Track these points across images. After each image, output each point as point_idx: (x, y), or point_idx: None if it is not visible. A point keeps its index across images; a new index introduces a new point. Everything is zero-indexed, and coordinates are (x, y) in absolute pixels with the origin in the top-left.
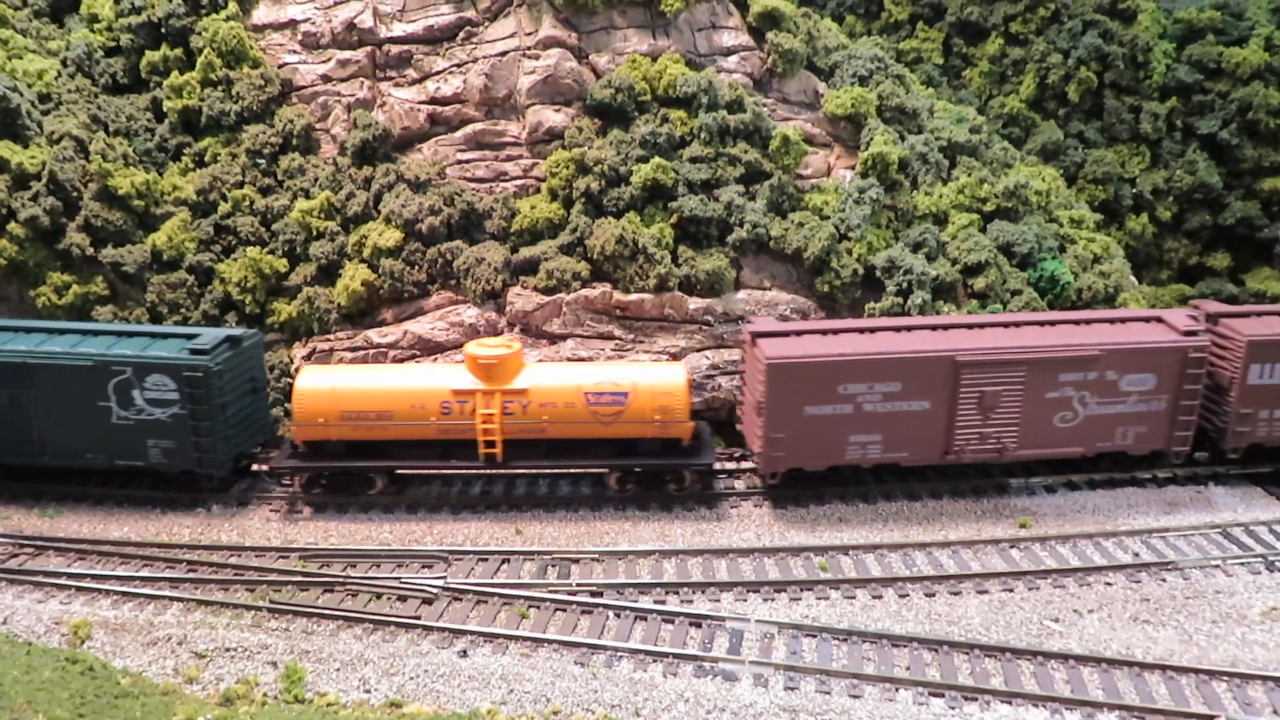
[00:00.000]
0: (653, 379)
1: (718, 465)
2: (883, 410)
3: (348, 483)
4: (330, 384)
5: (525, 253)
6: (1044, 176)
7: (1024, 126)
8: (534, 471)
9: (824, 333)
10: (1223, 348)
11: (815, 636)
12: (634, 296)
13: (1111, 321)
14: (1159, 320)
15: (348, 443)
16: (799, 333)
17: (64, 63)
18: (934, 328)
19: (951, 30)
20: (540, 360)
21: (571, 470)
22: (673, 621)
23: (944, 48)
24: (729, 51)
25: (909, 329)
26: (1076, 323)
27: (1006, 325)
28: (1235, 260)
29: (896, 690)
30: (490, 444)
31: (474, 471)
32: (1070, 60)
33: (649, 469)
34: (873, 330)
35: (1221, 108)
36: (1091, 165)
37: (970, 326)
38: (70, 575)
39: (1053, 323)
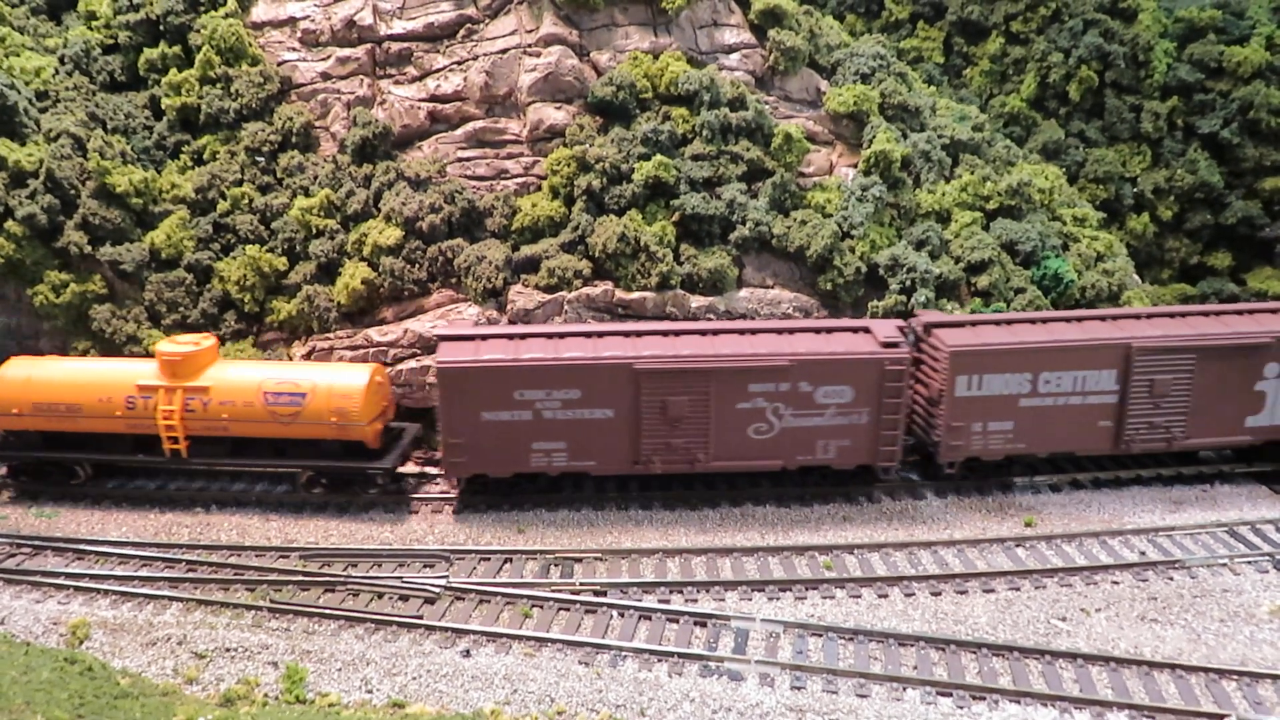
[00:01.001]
0: (332, 381)
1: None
2: (564, 418)
3: (48, 473)
4: (27, 374)
5: (526, 251)
6: (1047, 175)
7: (1025, 126)
8: (218, 469)
9: (510, 337)
10: (933, 359)
11: (821, 636)
12: (636, 295)
13: (817, 331)
14: (865, 331)
15: (44, 433)
16: (485, 337)
17: (61, 60)
18: (626, 334)
19: (952, 29)
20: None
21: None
22: (677, 621)
23: (944, 47)
24: (730, 49)
25: (600, 335)
26: (779, 332)
27: (705, 333)
28: (1236, 260)
29: (904, 689)
30: (174, 440)
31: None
32: (1071, 59)
33: (326, 471)
34: (563, 335)
35: (1223, 107)
36: (1092, 164)
37: (665, 334)
38: (68, 575)
39: (755, 331)
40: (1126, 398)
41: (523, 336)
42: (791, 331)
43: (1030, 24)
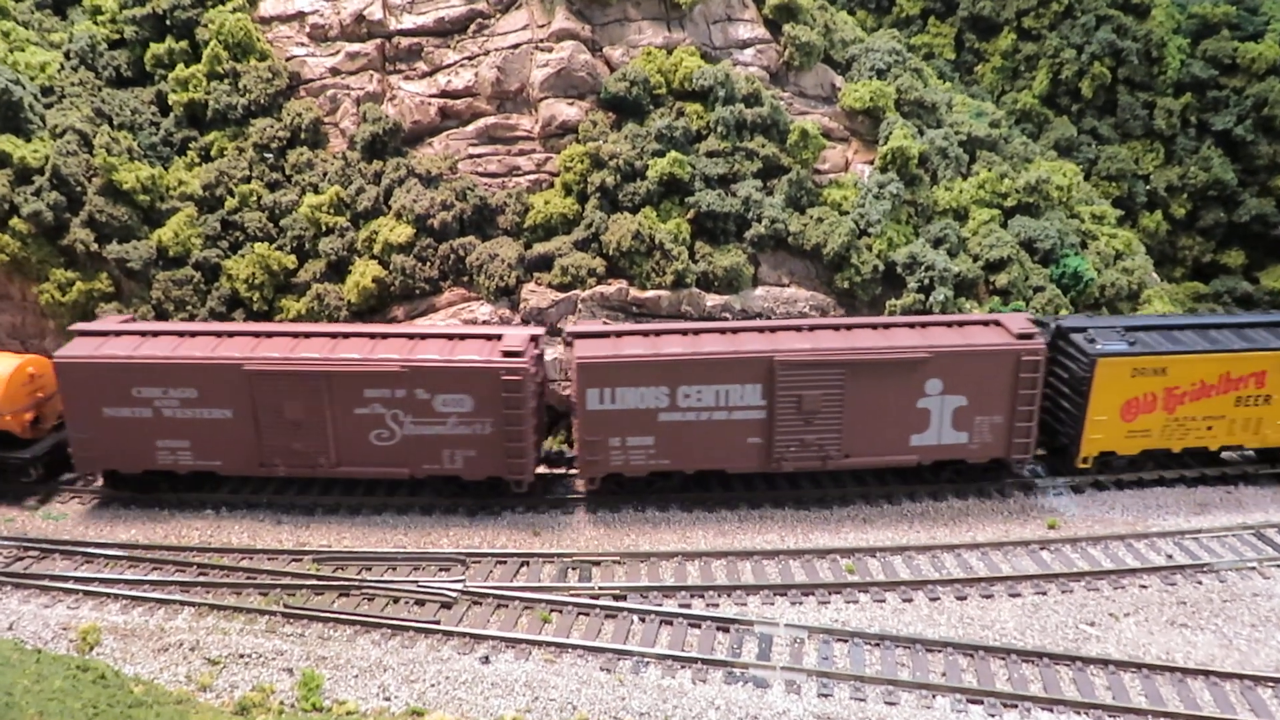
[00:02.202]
0: None
1: None
2: (185, 416)
3: None
4: None
5: (539, 249)
6: (1064, 172)
7: (1037, 122)
8: None
9: (143, 334)
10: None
11: (847, 641)
12: (650, 293)
13: (450, 338)
14: (496, 338)
15: None
16: (141, 333)
17: (67, 55)
18: (228, 333)
19: (963, 25)
20: None
21: None
22: (699, 626)
23: (956, 43)
24: (745, 44)
25: (221, 335)
26: (424, 336)
27: (335, 336)
28: (1250, 258)
29: (934, 697)
30: None
31: None
32: (1084, 56)
33: None
34: (193, 335)
35: (1236, 103)
36: (1105, 162)
37: (294, 335)
38: (77, 579)
39: (384, 336)
40: (774, 414)
41: (154, 334)
42: (424, 337)
43: (1042, 20)
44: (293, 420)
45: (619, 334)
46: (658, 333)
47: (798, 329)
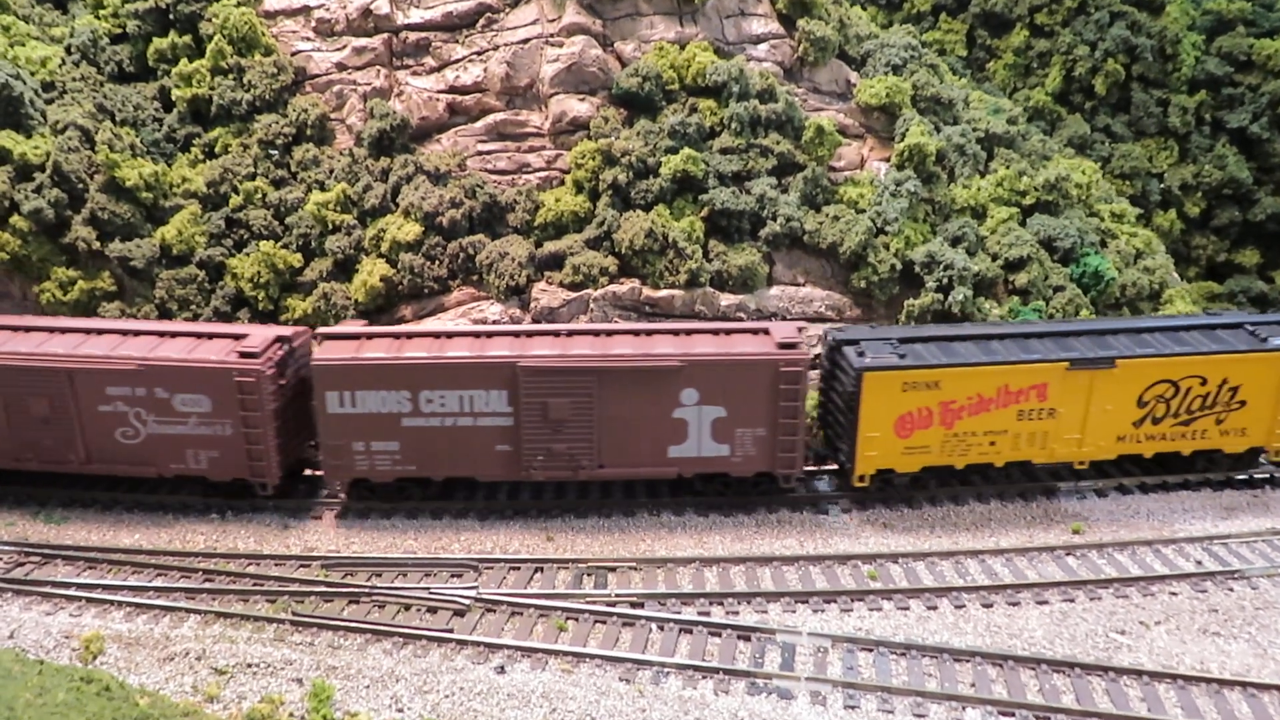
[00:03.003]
0: None
1: None
2: None
3: None
4: None
5: (550, 247)
6: (1084, 169)
7: (1050, 120)
8: None
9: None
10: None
11: (872, 650)
12: (664, 292)
13: (198, 336)
14: (238, 337)
15: None
16: None
17: (68, 50)
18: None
19: (975, 21)
20: None
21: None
22: (720, 634)
23: (967, 39)
24: (758, 39)
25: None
26: (161, 335)
27: (87, 332)
28: (1265, 257)
29: (964, 709)
30: None
31: None
32: (1097, 52)
33: None
34: None
35: (1252, 101)
36: (1119, 160)
37: (27, 330)
38: (80, 585)
39: (137, 333)
40: (520, 422)
41: None
42: (174, 335)
43: (1056, 16)
44: (39, 416)
45: (369, 336)
46: (408, 335)
47: (555, 334)
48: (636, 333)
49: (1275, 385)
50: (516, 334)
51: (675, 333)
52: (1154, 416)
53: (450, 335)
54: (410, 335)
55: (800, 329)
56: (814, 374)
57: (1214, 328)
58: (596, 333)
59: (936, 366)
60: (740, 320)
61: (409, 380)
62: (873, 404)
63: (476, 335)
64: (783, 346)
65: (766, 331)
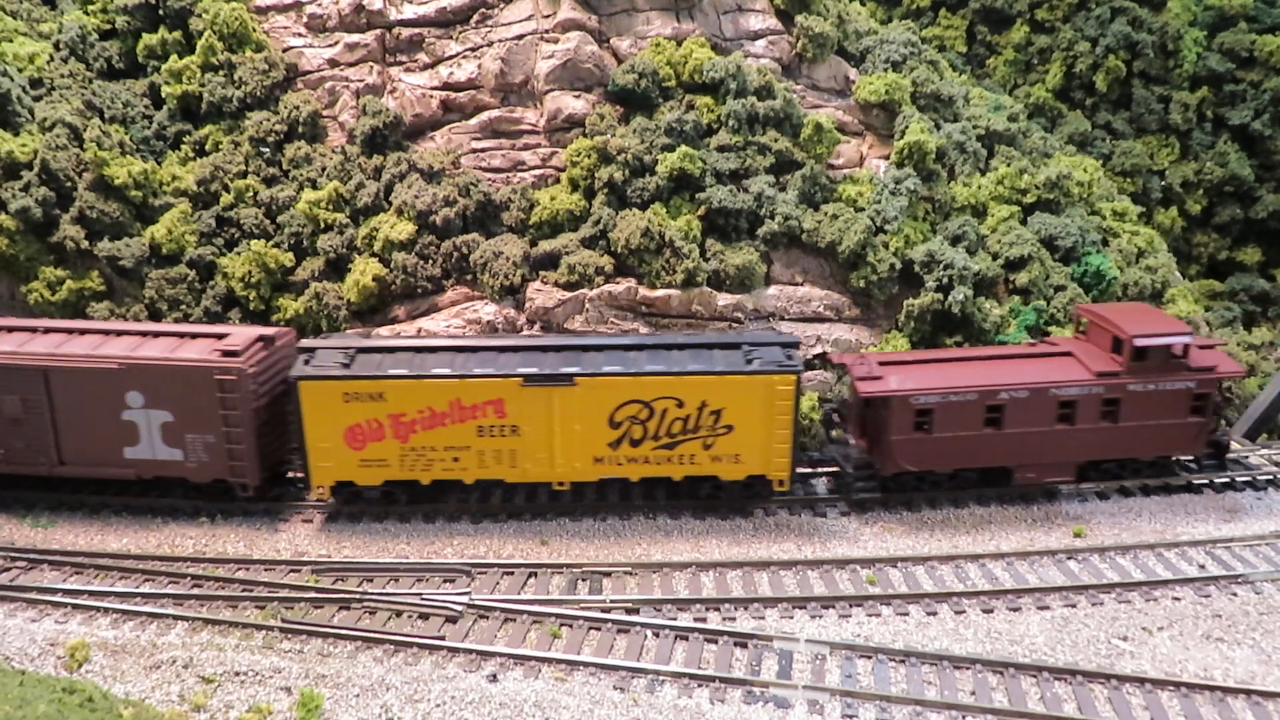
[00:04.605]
0: None
1: None
2: None
3: None
4: None
5: (545, 246)
6: (1085, 167)
7: (1050, 117)
8: None
9: None
10: None
11: (870, 658)
12: (660, 292)
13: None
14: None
15: None
16: None
17: (56, 46)
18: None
19: (975, 17)
20: None
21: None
22: (716, 641)
23: (967, 35)
24: (756, 35)
25: None
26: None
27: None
28: (1266, 255)
29: (964, 718)
30: None
31: None
32: (1098, 48)
33: None
34: None
35: (1254, 98)
36: (1119, 157)
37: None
38: (66, 591)
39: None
40: None
41: None
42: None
43: (1056, 12)
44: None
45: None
46: None
47: (32, 330)
48: (107, 333)
49: (764, 410)
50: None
51: (143, 334)
52: (631, 438)
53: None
54: None
55: (260, 337)
56: None
57: (711, 347)
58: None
59: (378, 378)
60: (738, 321)
61: None
62: (315, 414)
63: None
64: (226, 354)
65: (225, 336)
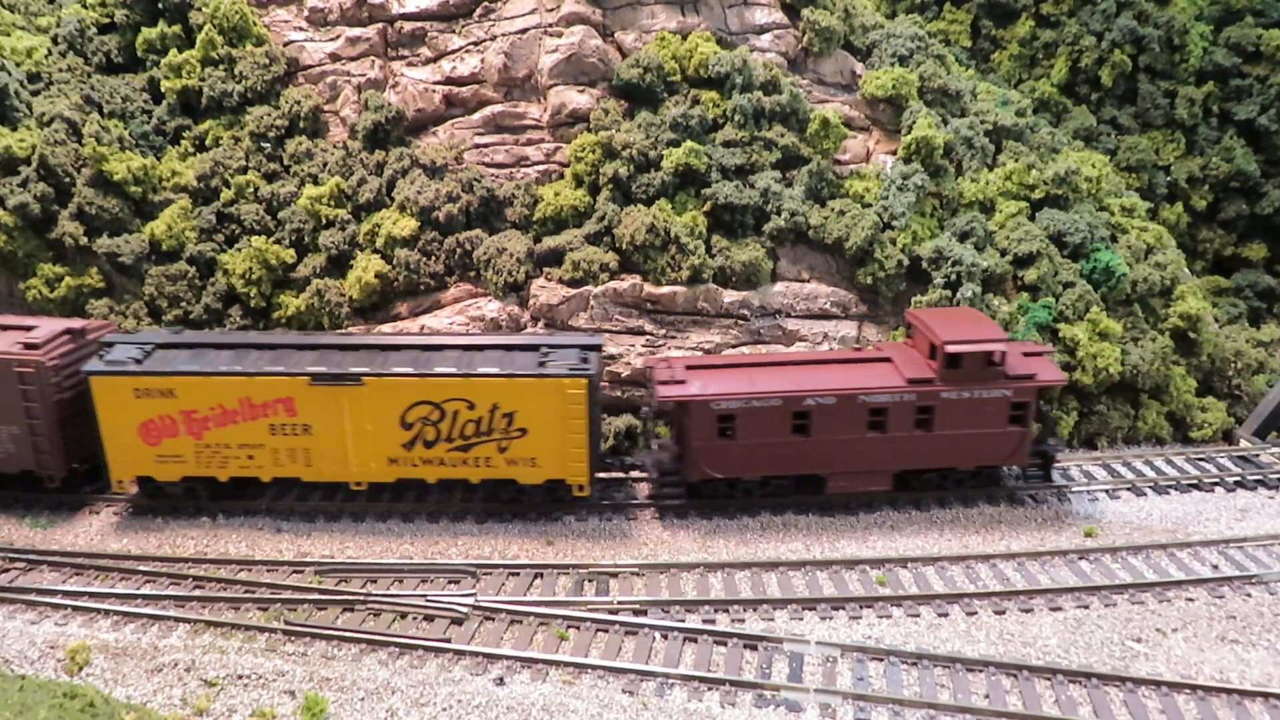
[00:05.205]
0: None
1: None
2: None
3: None
4: None
5: (549, 242)
6: (1093, 163)
7: (1055, 112)
8: None
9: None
10: None
11: (882, 660)
12: (666, 289)
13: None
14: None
15: None
16: None
17: (54, 40)
18: None
19: (980, 11)
20: None
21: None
22: (725, 643)
23: (972, 29)
24: (762, 29)
25: None
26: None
27: None
28: (1272, 251)
29: None
30: None
31: None
32: (1103, 43)
33: None
34: None
35: (1260, 92)
36: (1125, 152)
37: None
38: (65, 593)
39: None
40: None
41: None
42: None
43: (1061, 6)
44: None
45: None
46: None
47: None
48: None
49: (559, 414)
50: None
51: None
52: (425, 440)
53: None
54: None
55: (66, 330)
56: None
57: (512, 349)
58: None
59: (168, 374)
60: (744, 318)
61: None
62: (109, 409)
63: None
64: (27, 347)
65: (32, 328)
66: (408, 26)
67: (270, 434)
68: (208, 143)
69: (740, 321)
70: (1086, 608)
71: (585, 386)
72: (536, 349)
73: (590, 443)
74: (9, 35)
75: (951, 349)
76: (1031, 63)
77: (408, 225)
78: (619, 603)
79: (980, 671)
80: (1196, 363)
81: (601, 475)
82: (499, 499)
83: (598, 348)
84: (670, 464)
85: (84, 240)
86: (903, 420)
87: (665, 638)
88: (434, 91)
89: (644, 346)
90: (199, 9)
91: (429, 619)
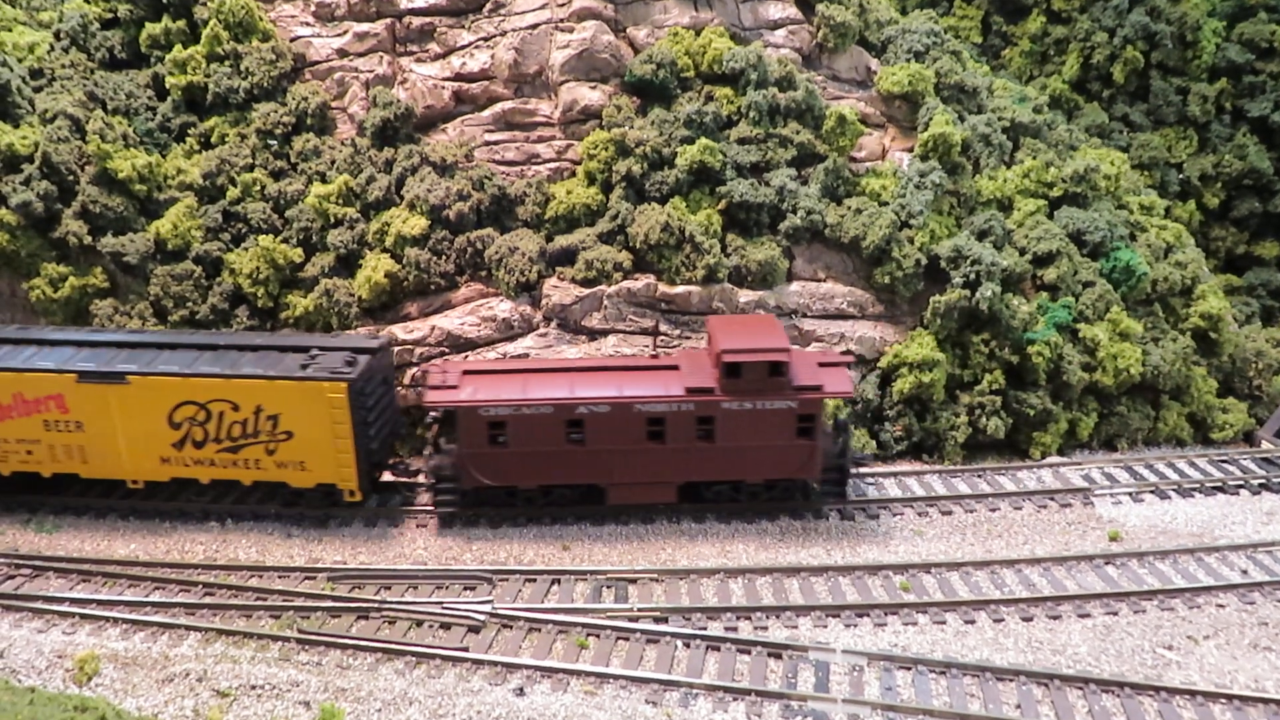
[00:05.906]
0: None
1: None
2: None
3: None
4: None
5: (561, 241)
6: (1112, 160)
7: (1067, 109)
8: None
9: None
10: None
11: (910, 669)
12: (680, 288)
13: None
14: None
15: None
16: None
17: (57, 35)
18: None
19: (991, 7)
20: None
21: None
22: (749, 651)
23: (983, 25)
24: (776, 25)
25: None
26: None
27: None
28: None
29: None
30: None
31: None
32: (1116, 39)
33: None
34: None
35: (1273, 89)
36: (1137, 149)
37: None
38: (73, 600)
39: None
40: None
41: None
42: None
43: (1073, 2)
44: None
45: None
46: None
47: None
48: None
49: (325, 418)
50: None
51: None
52: (194, 440)
53: None
54: None
55: None
56: None
57: (284, 349)
58: None
59: None
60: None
61: None
62: None
63: None
64: None
65: None
66: (416, 22)
67: (45, 430)
68: (213, 140)
69: None
70: (1115, 614)
71: (345, 390)
72: (307, 350)
73: (358, 447)
74: (11, 31)
75: (730, 358)
76: (1043, 59)
77: (418, 224)
78: (639, 610)
79: (1010, 681)
80: (1217, 363)
81: (390, 480)
82: (281, 500)
83: (375, 350)
84: (450, 470)
85: (88, 239)
86: (683, 431)
87: (688, 646)
88: (443, 88)
89: (659, 347)
90: (204, 4)
91: (445, 627)
